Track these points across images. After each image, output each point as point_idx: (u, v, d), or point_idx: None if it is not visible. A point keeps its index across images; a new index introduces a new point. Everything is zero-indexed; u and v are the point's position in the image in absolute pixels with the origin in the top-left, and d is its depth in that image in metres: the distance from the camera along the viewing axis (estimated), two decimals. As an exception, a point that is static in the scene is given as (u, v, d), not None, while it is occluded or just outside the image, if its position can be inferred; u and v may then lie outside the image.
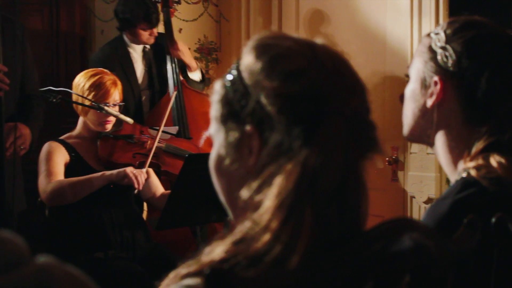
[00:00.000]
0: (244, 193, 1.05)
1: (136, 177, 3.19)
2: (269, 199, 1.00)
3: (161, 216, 3.10)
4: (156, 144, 3.50)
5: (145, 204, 3.94)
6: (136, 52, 4.28)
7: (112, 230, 3.34)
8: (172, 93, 4.08)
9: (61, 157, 3.31)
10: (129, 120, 3.42)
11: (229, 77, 1.11)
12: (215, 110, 1.13)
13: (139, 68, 4.30)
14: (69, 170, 3.32)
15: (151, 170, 3.49)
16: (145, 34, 4.15)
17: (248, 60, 1.09)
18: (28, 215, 3.47)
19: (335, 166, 1.00)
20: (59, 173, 3.26)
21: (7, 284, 0.61)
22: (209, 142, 4.09)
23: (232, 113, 1.09)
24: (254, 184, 1.04)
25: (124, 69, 4.16)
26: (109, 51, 4.21)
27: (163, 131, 3.58)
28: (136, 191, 3.26)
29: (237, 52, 4.87)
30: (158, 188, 3.53)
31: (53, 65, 4.75)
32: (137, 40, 4.21)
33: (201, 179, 2.91)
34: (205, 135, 4.22)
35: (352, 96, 1.06)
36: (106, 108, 3.31)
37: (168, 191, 3.45)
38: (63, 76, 4.75)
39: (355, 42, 4.44)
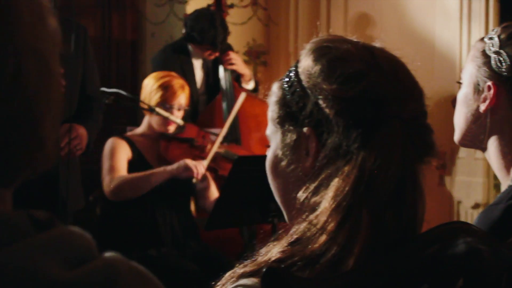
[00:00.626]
0: (301, 195, 1.06)
1: (196, 167, 3.28)
2: (326, 201, 1.01)
3: (210, 216, 3.13)
4: (215, 149, 3.54)
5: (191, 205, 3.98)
6: (197, 60, 4.33)
7: (164, 227, 3.39)
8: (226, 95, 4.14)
9: (124, 152, 3.39)
10: (179, 121, 3.47)
11: (287, 79, 1.13)
12: (272, 111, 1.14)
13: (198, 74, 4.35)
14: (131, 166, 3.40)
15: (209, 176, 3.54)
16: (207, 53, 4.20)
17: (306, 62, 1.10)
18: (82, 213, 3.54)
19: (392, 169, 1.01)
20: (122, 169, 3.35)
21: (76, 279, 0.63)
22: (260, 144, 4.14)
23: (290, 115, 1.10)
24: (311, 186, 1.05)
25: (184, 73, 4.21)
26: (171, 53, 4.26)
27: (215, 134, 3.63)
28: (194, 180, 3.31)
29: (285, 56, 4.91)
30: (215, 194, 3.58)
31: (105, 67, 4.82)
32: (198, 54, 4.26)
33: (250, 180, 2.93)
34: (255, 137, 4.25)
35: (410, 100, 1.06)
36: (157, 109, 3.38)
37: None
38: (114, 78, 4.82)
39: (402, 46, 4.35)
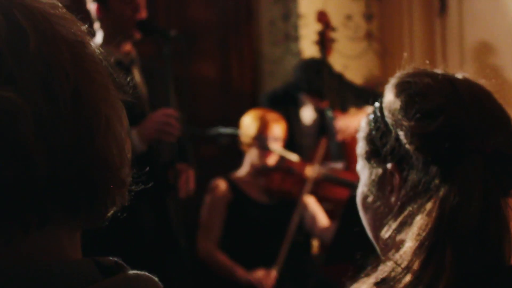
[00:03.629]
0: (384, 233, 1.06)
1: (261, 283, 3.36)
2: (410, 239, 1.01)
3: (328, 251, 3.13)
4: (316, 172, 3.58)
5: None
6: (309, 105, 4.37)
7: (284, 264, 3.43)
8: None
9: (222, 200, 3.50)
10: (293, 157, 3.52)
11: (373, 114, 1.13)
12: (360, 147, 1.15)
13: (309, 117, 4.38)
14: (232, 206, 3.51)
15: (313, 201, 3.56)
16: (315, 102, 4.25)
17: (388, 98, 1.11)
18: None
19: (474, 205, 0.99)
20: (215, 229, 3.48)
21: None
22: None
23: (375, 151, 1.11)
24: (394, 224, 1.05)
25: (289, 116, 4.28)
26: (281, 96, 4.34)
27: (328, 167, 3.66)
28: None
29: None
30: (320, 218, 3.59)
31: (225, 108, 4.95)
32: (307, 101, 4.31)
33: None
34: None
35: (493, 133, 1.04)
36: (270, 146, 3.45)
37: (331, 223, 3.49)
38: (234, 118, 4.92)
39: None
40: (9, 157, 0.63)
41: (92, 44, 0.73)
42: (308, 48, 4.70)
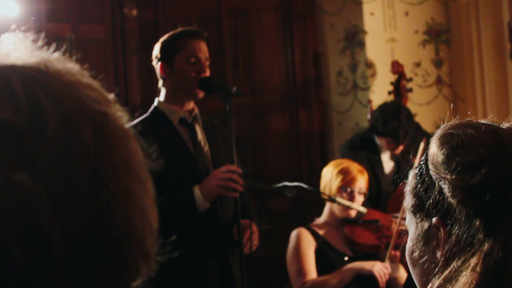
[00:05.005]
0: None
1: (381, 276, 3.32)
2: None
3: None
4: (399, 226, 3.51)
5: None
6: (386, 151, 4.30)
7: None
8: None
9: (309, 246, 3.45)
10: (362, 209, 3.47)
11: (419, 167, 1.11)
12: (407, 201, 1.12)
13: (388, 166, 4.31)
14: (318, 254, 3.45)
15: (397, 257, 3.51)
16: (390, 146, 4.17)
17: (433, 150, 1.08)
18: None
19: None
20: (311, 270, 3.42)
21: None
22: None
23: (420, 205, 1.08)
24: (439, 280, 1.01)
25: (372, 165, 4.20)
26: (359, 143, 4.29)
27: (396, 217, 3.59)
28: None
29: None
30: (403, 274, 3.51)
31: (295, 160, 4.94)
32: (382, 145, 4.24)
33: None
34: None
35: None
36: (338, 199, 3.41)
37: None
38: (305, 170, 4.91)
39: None
40: (25, 242, 0.62)
41: (118, 113, 0.71)
42: (377, 98, 4.67)
